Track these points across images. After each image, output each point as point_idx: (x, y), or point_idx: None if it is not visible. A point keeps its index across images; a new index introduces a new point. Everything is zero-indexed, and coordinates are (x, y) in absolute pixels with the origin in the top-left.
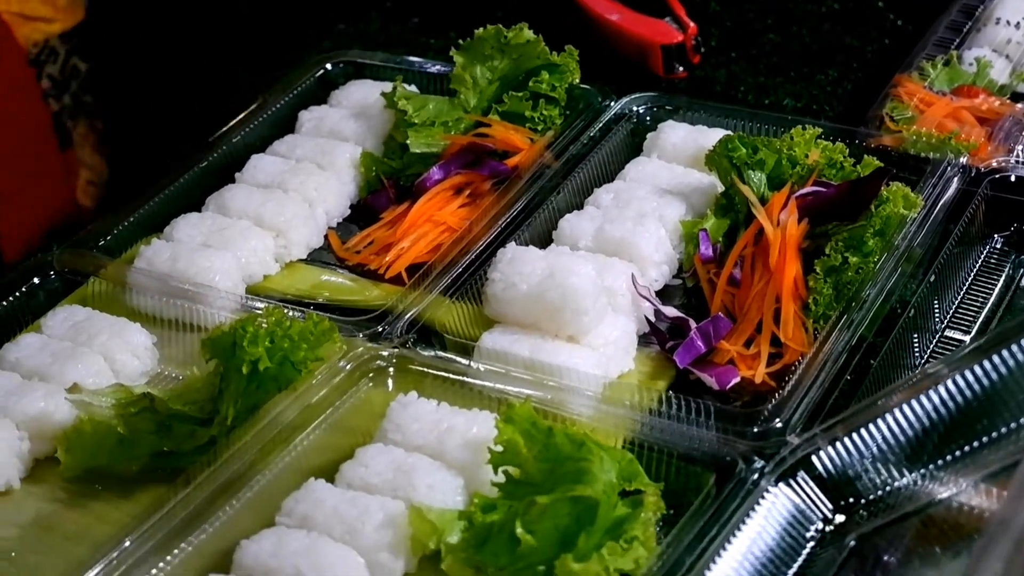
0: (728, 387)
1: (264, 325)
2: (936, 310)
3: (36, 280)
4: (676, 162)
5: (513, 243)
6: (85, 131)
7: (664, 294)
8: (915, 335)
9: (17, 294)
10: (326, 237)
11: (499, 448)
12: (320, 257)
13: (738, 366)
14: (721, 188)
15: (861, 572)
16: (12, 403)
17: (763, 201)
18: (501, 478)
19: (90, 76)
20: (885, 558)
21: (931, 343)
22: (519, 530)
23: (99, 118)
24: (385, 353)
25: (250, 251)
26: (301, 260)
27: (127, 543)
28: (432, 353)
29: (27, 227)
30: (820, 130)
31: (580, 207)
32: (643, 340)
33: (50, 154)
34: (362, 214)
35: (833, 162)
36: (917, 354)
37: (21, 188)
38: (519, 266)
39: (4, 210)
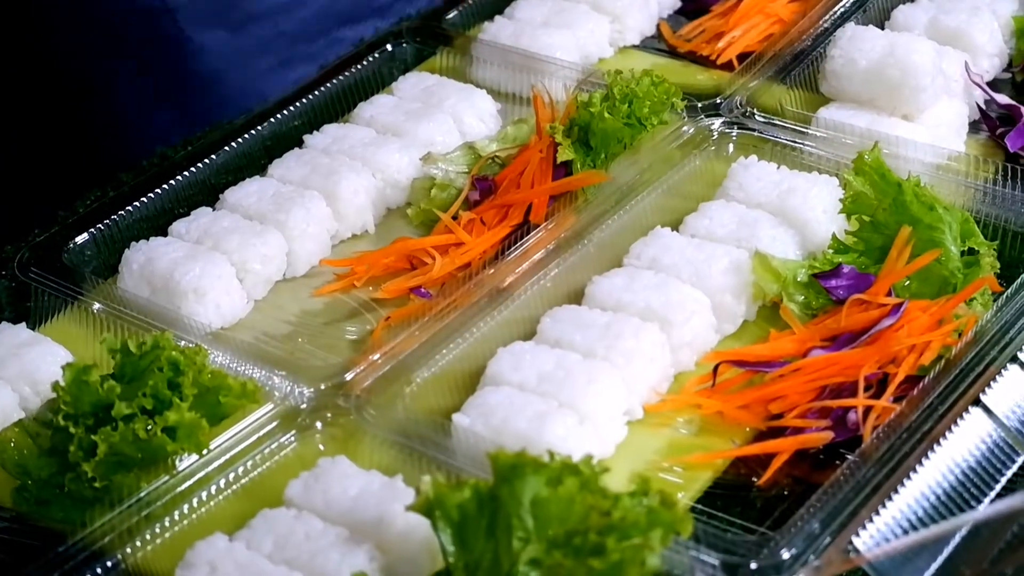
0: None
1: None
2: None
3: (389, 48)
4: None
5: (852, 23)
6: None
7: (992, 86)
8: None
9: (370, 59)
10: (658, 26)
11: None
12: (651, 44)
13: None
14: None
15: None
16: (370, 154)
17: None
18: (841, 236)
19: None
20: None
21: None
22: None
23: None
24: (722, 122)
25: (588, 32)
26: (633, 46)
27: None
28: (769, 123)
29: None
30: None
31: None
32: (972, 127)
33: None
34: (690, 6)
35: None
36: None
37: None
38: (859, 43)
39: None
